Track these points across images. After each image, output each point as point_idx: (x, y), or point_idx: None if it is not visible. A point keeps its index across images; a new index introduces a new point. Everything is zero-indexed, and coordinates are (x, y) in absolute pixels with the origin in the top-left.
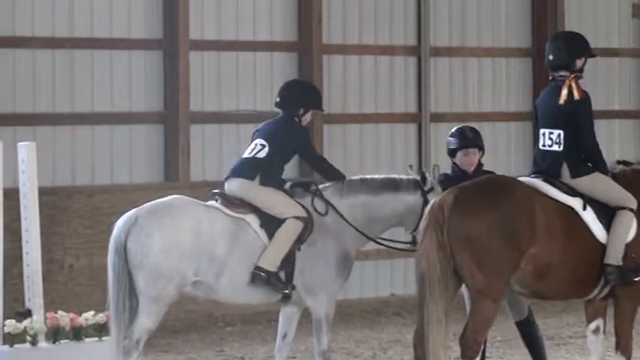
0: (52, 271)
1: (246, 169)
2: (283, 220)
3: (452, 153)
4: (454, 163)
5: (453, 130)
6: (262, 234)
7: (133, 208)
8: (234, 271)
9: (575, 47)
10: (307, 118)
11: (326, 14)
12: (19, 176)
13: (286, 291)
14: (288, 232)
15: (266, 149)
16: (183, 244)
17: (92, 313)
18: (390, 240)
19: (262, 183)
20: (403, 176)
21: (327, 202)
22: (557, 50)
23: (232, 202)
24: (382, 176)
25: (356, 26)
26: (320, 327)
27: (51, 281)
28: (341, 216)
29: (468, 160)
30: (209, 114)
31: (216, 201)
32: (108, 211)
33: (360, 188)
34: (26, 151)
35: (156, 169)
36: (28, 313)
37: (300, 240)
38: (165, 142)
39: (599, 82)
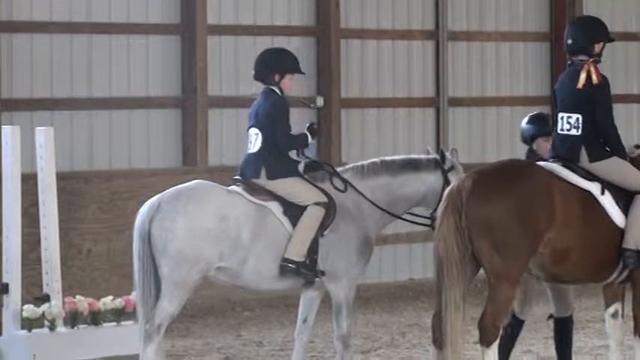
0: (70, 256)
1: (251, 168)
2: (305, 207)
3: (530, 139)
4: (531, 149)
5: (528, 117)
6: (286, 222)
7: (151, 192)
8: (259, 258)
9: (593, 32)
10: (287, 84)
11: None
12: (37, 161)
13: (317, 279)
14: (311, 219)
15: (259, 139)
16: (208, 229)
17: (110, 297)
18: (413, 215)
19: (269, 177)
20: (423, 156)
21: (346, 181)
22: (575, 35)
23: (254, 188)
24: (402, 157)
25: (374, 10)
26: (340, 311)
27: (69, 266)
28: (363, 195)
29: (546, 146)
30: (226, 98)
31: (238, 186)
32: (126, 195)
33: (380, 170)
34: (44, 136)
35: (173, 153)
36: (46, 298)
37: (323, 226)
38: (183, 126)
39: (618, 67)
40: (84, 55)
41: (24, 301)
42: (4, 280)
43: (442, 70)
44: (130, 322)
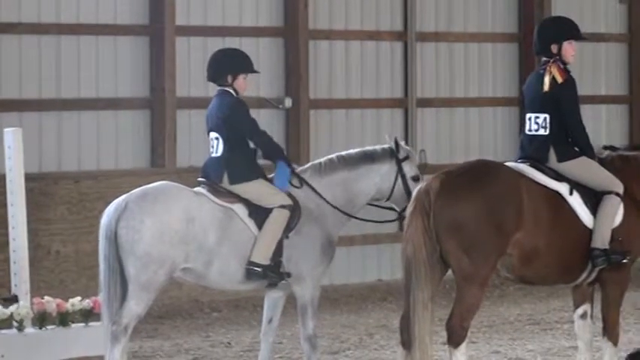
0: (38, 257)
1: (214, 170)
2: (270, 210)
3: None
4: None
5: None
6: (251, 224)
7: (119, 193)
8: (224, 260)
9: (548, 34)
10: (241, 84)
11: None
12: (5, 162)
13: (283, 281)
14: (277, 222)
15: (220, 143)
16: (174, 230)
17: (79, 298)
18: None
19: (232, 181)
20: (377, 147)
21: (307, 183)
22: (536, 37)
23: (219, 190)
24: (357, 150)
25: (342, 11)
26: (306, 312)
27: (37, 267)
28: (322, 197)
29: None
30: (195, 99)
31: (203, 188)
32: (94, 196)
33: (337, 165)
34: (12, 137)
35: (142, 154)
36: (14, 299)
37: (288, 228)
38: (152, 127)
39: (586, 67)
40: (52, 56)
41: None
42: None
43: (410, 71)
44: (99, 323)
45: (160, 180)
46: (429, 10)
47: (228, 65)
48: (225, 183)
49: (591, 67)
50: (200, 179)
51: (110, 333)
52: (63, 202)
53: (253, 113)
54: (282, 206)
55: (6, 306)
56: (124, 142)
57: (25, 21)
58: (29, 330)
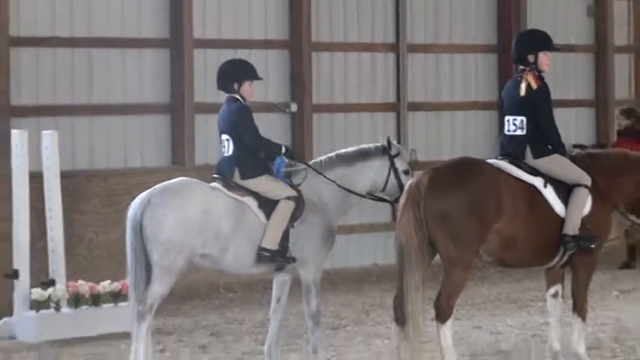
0: (72, 245)
1: (226, 168)
2: (277, 201)
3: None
4: None
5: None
6: (261, 214)
7: (144, 189)
8: (238, 247)
9: (525, 45)
10: (247, 91)
11: (315, 15)
12: (42, 162)
13: (289, 264)
14: (283, 212)
15: (231, 144)
16: (193, 220)
17: (109, 282)
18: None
19: (242, 177)
20: (372, 145)
21: (316, 170)
22: (514, 47)
23: (232, 185)
24: (354, 148)
25: (341, 26)
26: (309, 292)
27: (72, 254)
28: (330, 180)
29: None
30: (211, 105)
31: (218, 183)
32: (121, 191)
33: (336, 163)
34: (49, 139)
35: (164, 154)
36: (51, 283)
37: (293, 218)
38: (172, 130)
39: (558, 75)
40: (84, 66)
41: (32, 285)
42: (15, 267)
43: (402, 79)
44: (126, 303)
45: (179, 176)
46: (419, 24)
47: (233, 74)
48: (237, 178)
49: (562, 75)
50: (215, 175)
51: (136, 312)
52: (94, 196)
53: (262, 117)
54: (288, 198)
55: (44, 289)
56: (148, 143)
57: (60, 35)
58: (65, 310)
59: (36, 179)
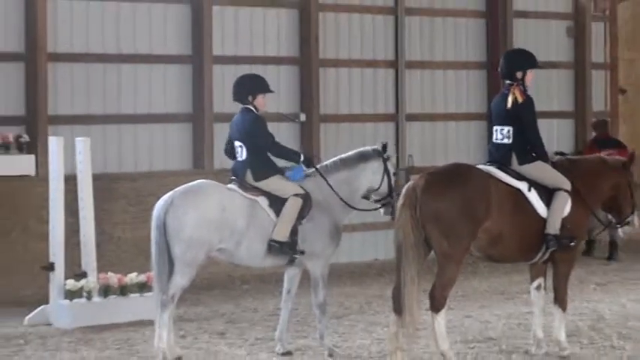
0: (103, 241)
1: (240, 171)
2: (286, 199)
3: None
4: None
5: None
6: (271, 213)
7: (168, 190)
8: (251, 241)
9: (513, 63)
10: (260, 102)
11: (322, 35)
12: (76, 165)
13: (296, 256)
14: (292, 207)
15: (244, 150)
16: (211, 219)
17: (135, 274)
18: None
19: (255, 179)
20: (369, 147)
21: (323, 177)
22: (503, 65)
23: (246, 186)
24: (354, 151)
25: (346, 44)
26: (317, 284)
27: (102, 249)
28: (334, 190)
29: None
30: (229, 115)
31: (233, 185)
32: (147, 192)
33: (340, 166)
34: (82, 145)
35: (186, 158)
36: (84, 275)
37: (301, 216)
38: (194, 137)
39: (541, 89)
40: (114, 80)
41: (67, 277)
42: (51, 260)
43: (401, 92)
44: (151, 294)
45: (199, 179)
46: (415, 43)
47: (248, 87)
48: (250, 180)
49: (545, 89)
50: (231, 178)
51: (160, 301)
52: (122, 197)
53: (274, 126)
54: (296, 195)
55: (77, 280)
56: (172, 149)
57: (93, 52)
58: (96, 299)
59: (70, 181)
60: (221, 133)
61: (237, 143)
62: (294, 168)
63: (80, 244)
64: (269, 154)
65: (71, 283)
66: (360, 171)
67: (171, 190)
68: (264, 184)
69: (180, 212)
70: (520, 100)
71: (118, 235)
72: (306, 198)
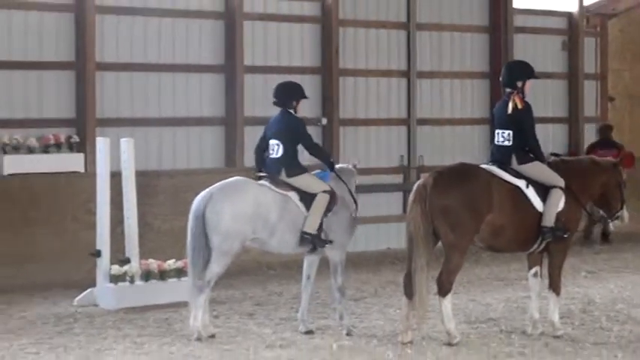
0: (145, 231)
1: (275, 167)
2: (315, 195)
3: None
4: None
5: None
6: (302, 206)
7: (204, 186)
8: (283, 232)
9: (514, 73)
10: (299, 107)
11: (342, 47)
12: (121, 163)
13: (326, 246)
14: (320, 202)
15: (281, 148)
16: (247, 212)
17: (173, 260)
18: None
19: (288, 175)
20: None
21: (340, 178)
22: (504, 74)
23: (277, 181)
24: (343, 165)
25: (363, 55)
26: (336, 270)
27: (144, 238)
28: (348, 188)
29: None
30: (258, 118)
31: (266, 181)
32: (185, 188)
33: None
34: (126, 145)
35: (219, 157)
36: (127, 261)
37: (328, 209)
38: (226, 138)
39: (538, 97)
40: (155, 86)
41: (112, 263)
42: (98, 248)
43: (412, 99)
44: (187, 278)
45: (232, 176)
46: (425, 55)
47: (292, 93)
48: (283, 176)
49: (542, 96)
50: (263, 174)
51: (197, 286)
52: (162, 191)
53: None
54: (324, 191)
55: (121, 265)
56: (206, 149)
57: (136, 61)
58: (138, 283)
59: (115, 177)
60: (250, 134)
61: (273, 142)
62: (323, 173)
63: (124, 234)
64: (299, 154)
65: (116, 269)
66: (352, 178)
67: (206, 185)
68: (294, 180)
69: (218, 207)
70: (520, 106)
71: (158, 226)
72: (333, 194)
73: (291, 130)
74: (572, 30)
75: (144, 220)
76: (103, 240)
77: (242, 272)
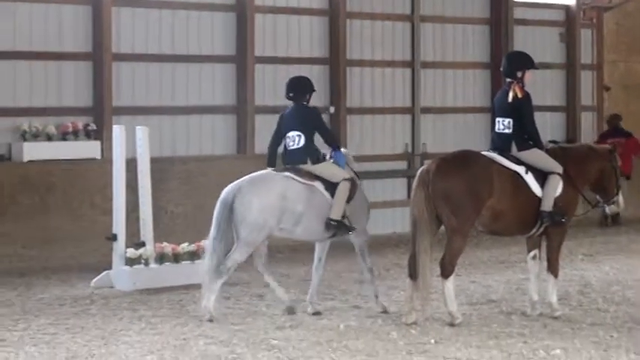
0: (159, 215)
1: (300, 157)
2: (337, 183)
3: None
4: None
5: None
6: (327, 195)
7: (215, 172)
8: (309, 221)
9: (514, 63)
10: (310, 99)
11: (349, 38)
12: (136, 150)
13: (351, 232)
14: (344, 190)
15: (302, 138)
16: (273, 205)
17: (187, 243)
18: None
19: (313, 163)
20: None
21: (349, 167)
22: (505, 65)
23: (301, 172)
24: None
25: (369, 47)
26: (363, 251)
27: (158, 222)
28: (356, 175)
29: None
30: (267, 107)
31: (290, 172)
32: (197, 173)
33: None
34: (141, 132)
35: (230, 144)
36: (142, 244)
37: (350, 197)
38: (237, 126)
39: (537, 86)
40: (169, 76)
41: (127, 246)
42: (114, 232)
43: (416, 88)
44: (200, 261)
45: (243, 163)
46: (429, 46)
47: (307, 88)
48: (308, 166)
49: (541, 86)
50: (287, 166)
51: (217, 270)
52: (176, 177)
53: None
54: (345, 179)
55: (137, 249)
56: (218, 136)
57: (151, 52)
58: (153, 265)
59: (131, 163)
60: (261, 122)
61: (293, 133)
62: (336, 154)
63: (139, 218)
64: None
65: (131, 252)
66: (352, 163)
67: (220, 173)
68: (318, 169)
69: (246, 199)
70: (520, 95)
71: (172, 210)
72: (354, 181)
73: (312, 121)
74: (569, 22)
75: (158, 205)
76: (118, 224)
77: (251, 255)
